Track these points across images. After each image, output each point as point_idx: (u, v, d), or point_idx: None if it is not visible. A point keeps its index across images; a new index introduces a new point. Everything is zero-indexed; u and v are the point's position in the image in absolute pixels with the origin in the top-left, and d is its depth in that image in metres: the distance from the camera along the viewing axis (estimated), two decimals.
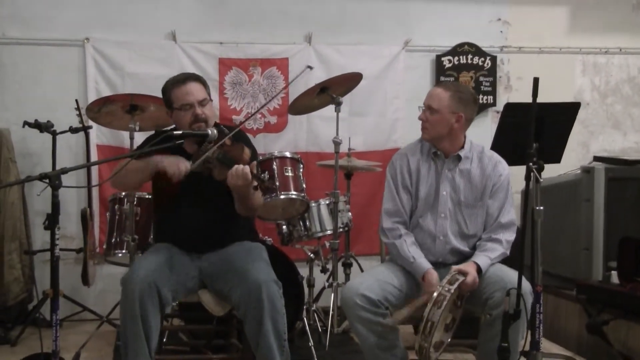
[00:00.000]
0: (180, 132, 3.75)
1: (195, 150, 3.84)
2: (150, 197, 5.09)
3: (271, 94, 6.51)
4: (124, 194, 5.33)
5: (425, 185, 4.07)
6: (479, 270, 3.80)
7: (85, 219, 5.67)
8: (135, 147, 4.94)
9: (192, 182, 3.77)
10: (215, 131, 3.80)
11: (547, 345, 5.16)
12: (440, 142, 4.06)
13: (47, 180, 3.11)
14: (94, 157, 6.16)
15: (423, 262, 3.90)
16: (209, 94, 4.06)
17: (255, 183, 3.66)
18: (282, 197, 5.01)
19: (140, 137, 4.97)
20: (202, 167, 3.73)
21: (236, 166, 3.63)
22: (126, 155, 4.08)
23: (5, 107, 6.30)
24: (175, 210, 3.86)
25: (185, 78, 4.03)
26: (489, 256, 3.89)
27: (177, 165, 3.76)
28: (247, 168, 3.63)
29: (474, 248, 4.04)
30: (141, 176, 3.93)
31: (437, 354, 3.65)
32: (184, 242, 4.03)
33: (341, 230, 5.40)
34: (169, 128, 4.13)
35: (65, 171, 3.18)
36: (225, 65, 6.50)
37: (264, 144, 6.38)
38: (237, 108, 6.48)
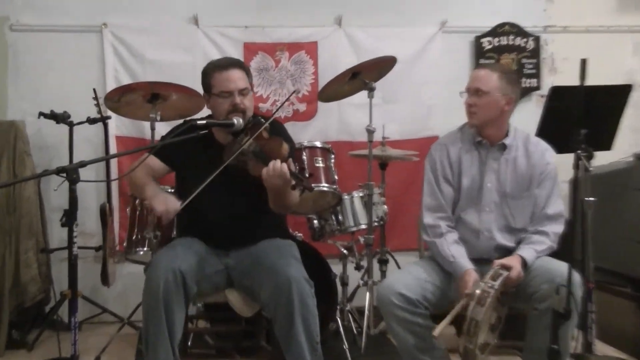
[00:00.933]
0: (204, 122, 3.75)
1: (230, 141, 3.82)
2: (172, 190, 5.08)
3: (299, 80, 6.49)
4: None
5: (468, 176, 4.03)
6: (524, 264, 3.75)
7: (105, 214, 5.67)
8: (157, 138, 4.93)
9: (221, 174, 3.71)
10: (240, 121, 3.80)
11: (599, 347, 5.08)
12: (486, 128, 4.02)
13: (64, 175, 3.10)
14: (113, 149, 6.16)
15: (463, 262, 3.85)
16: (250, 84, 4.06)
17: (293, 182, 3.60)
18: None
19: (161, 127, 4.97)
20: (235, 160, 3.68)
21: (273, 163, 3.59)
22: (147, 147, 4.08)
23: (19, 97, 6.32)
24: (201, 205, 3.84)
25: (229, 64, 4.04)
26: (534, 249, 3.84)
27: (166, 206, 3.78)
28: (284, 166, 3.59)
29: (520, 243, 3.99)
30: (138, 194, 4.13)
31: (483, 356, 3.61)
32: (210, 238, 4.04)
33: (376, 224, 5.37)
34: (200, 117, 4.12)
35: (83, 164, 3.19)
36: (250, 50, 6.48)
37: (293, 133, 6.11)
38: (263, 95, 6.45)
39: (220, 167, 3.67)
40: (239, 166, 3.71)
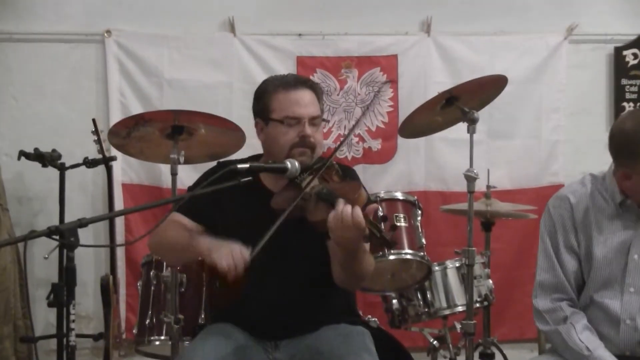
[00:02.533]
0: (246, 165, 3.65)
1: (284, 186, 3.78)
2: (200, 259, 5.11)
3: (372, 108, 6.54)
4: None
5: (605, 245, 3.94)
6: None
7: (107, 291, 5.68)
8: (179, 187, 4.94)
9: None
10: (296, 164, 3.72)
11: None
12: None
13: (57, 237, 3.06)
14: (118, 201, 6.22)
15: (603, 355, 3.79)
16: (322, 111, 4.03)
17: (367, 232, 3.45)
18: (391, 257, 5.01)
19: (186, 172, 5.00)
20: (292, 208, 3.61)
21: (344, 206, 3.45)
22: (168, 200, 4.08)
23: None
24: None
25: (298, 82, 4.00)
26: None
27: (232, 257, 3.56)
28: (358, 210, 3.43)
29: None
30: (180, 256, 3.98)
31: None
32: (253, 324, 4.00)
33: (478, 305, 5.37)
34: (239, 159, 4.14)
35: (83, 224, 3.14)
36: (306, 66, 6.57)
37: (364, 180, 6.12)
38: (324, 128, 6.45)
39: (275, 218, 3.54)
40: (295, 214, 3.61)
